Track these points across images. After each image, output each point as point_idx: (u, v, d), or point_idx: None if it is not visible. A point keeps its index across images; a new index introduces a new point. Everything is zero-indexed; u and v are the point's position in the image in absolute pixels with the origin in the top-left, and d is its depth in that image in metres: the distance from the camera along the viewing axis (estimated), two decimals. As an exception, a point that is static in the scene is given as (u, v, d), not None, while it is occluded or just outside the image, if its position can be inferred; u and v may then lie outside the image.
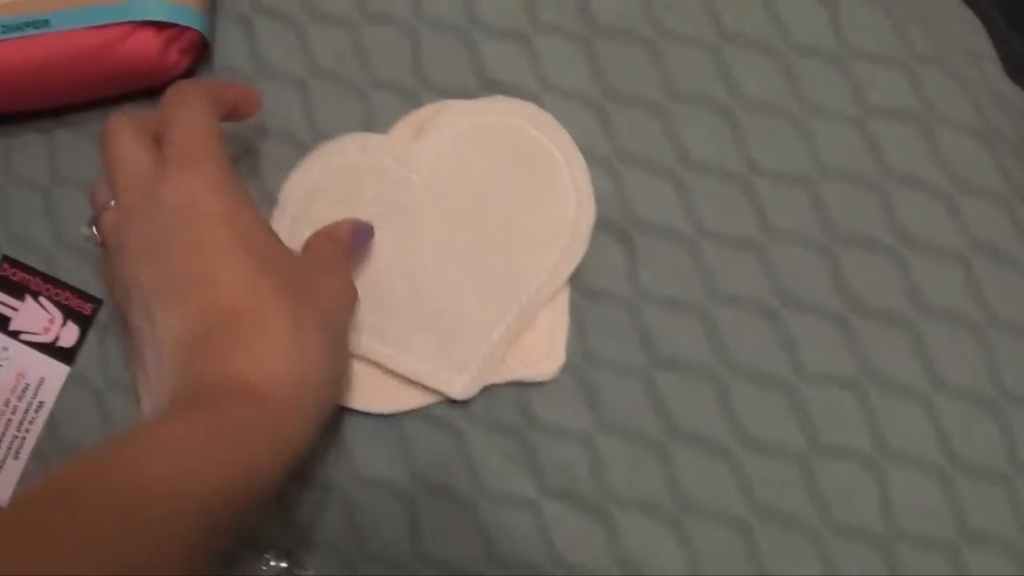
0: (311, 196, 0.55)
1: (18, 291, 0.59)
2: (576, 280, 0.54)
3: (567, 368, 0.53)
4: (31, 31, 0.56)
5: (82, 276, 0.58)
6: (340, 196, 0.55)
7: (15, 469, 0.57)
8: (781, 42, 0.55)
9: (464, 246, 0.54)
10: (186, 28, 0.56)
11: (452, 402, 0.53)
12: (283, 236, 0.51)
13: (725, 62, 0.55)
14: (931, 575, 0.49)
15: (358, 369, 0.54)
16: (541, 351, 0.53)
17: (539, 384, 0.53)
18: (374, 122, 0.57)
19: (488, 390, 0.53)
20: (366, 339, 0.53)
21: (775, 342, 0.52)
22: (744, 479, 0.51)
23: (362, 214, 0.54)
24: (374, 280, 0.54)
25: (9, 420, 0.58)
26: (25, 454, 0.57)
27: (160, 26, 0.56)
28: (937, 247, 0.51)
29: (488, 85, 0.56)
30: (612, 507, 0.51)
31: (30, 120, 0.60)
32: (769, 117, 0.54)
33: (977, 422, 0.50)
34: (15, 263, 0.59)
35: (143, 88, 0.58)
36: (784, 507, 0.51)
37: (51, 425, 0.57)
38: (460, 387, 0.53)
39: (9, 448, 0.57)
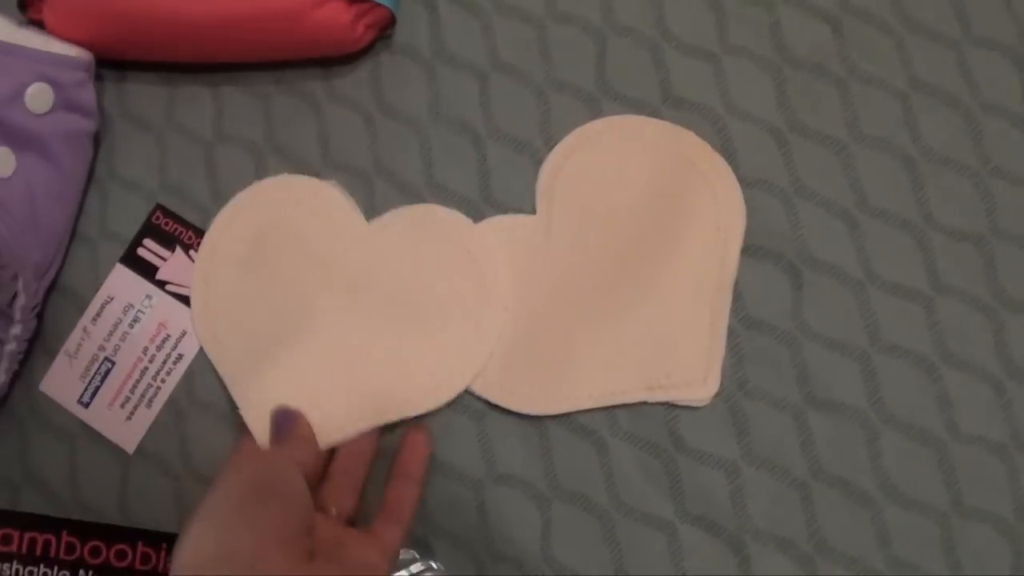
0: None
1: (168, 241, 0.61)
2: (737, 309, 0.56)
3: (720, 395, 0.55)
4: (222, -15, 0.58)
5: (237, 235, 0.60)
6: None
7: (147, 418, 0.59)
8: (971, 98, 0.57)
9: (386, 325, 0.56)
10: (377, 4, 0.59)
11: (599, 412, 0.55)
12: None
13: (912, 110, 0.57)
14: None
15: (510, 367, 0.56)
16: (697, 376, 0.55)
17: (690, 408, 0.55)
18: (550, 125, 0.59)
19: (637, 407, 0.55)
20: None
21: (932, 397, 0.54)
22: (883, 530, 0.53)
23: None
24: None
25: (146, 368, 0.60)
26: (158, 405, 0.59)
27: (352, 0, 0.58)
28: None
29: (672, 102, 0.58)
30: (748, 539, 0.54)
31: (200, 72, 0.62)
32: (951, 172, 0.56)
33: None
34: (168, 213, 0.61)
35: (320, 56, 0.60)
36: (920, 565, 0.53)
37: (188, 378, 0.59)
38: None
39: (143, 396, 0.60)
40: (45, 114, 0.58)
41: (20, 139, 0.58)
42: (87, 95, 0.59)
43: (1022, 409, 0.53)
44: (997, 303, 0.55)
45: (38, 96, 0.58)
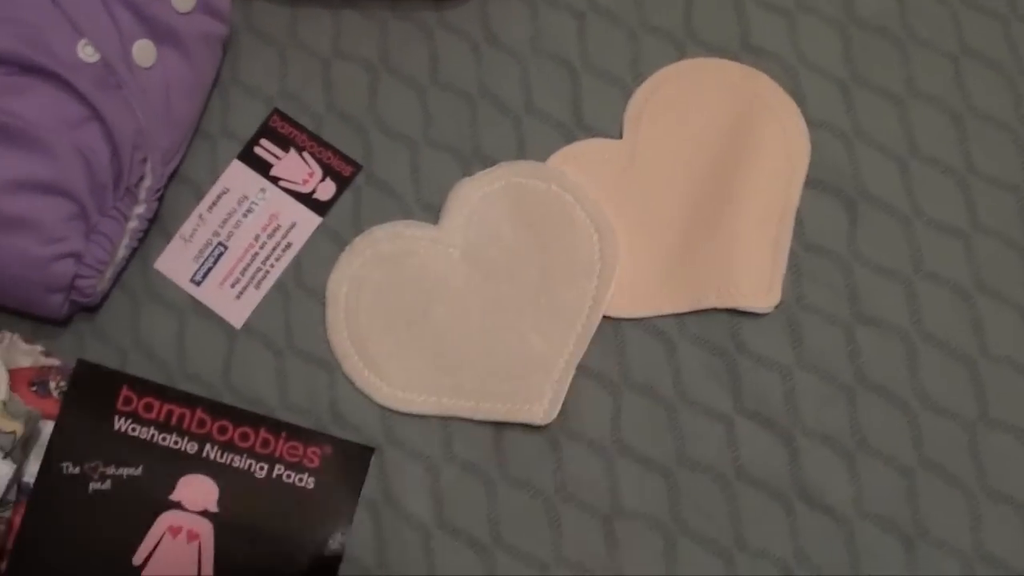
0: (357, 289, 0.67)
1: (284, 143, 0.71)
2: (799, 233, 0.66)
3: (780, 307, 0.65)
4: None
5: (348, 142, 0.70)
6: (384, 284, 0.67)
7: (255, 297, 0.69)
8: (1012, 65, 0.68)
9: (510, 297, 0.66)
10: (497, -58, 0.69)
11: (670, 316, 0.66)
12: (338, 331, 0.66)
13: (961, 72, 0.68)
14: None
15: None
16: (762, 287, 0.65)
17: (753, 315, 0.65)
18: (639, 62, 0.69)
19: (706, 312, 0.66)
20: (447, 399, 0.65)
21: (966, 320, 0.64)
22: (917, 433, 0.63)
23: (408, 294, 0.66)
24: (440, 346, 0.66)
25: (256, 253, 0.69)
26: (267, 286, 0.69)
27: (475, -65, 0.69)
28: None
29: (749, 49, 0.69)
30: (798, 433, 0.64)
31: (320, -5, 0.73)
32: (993, 128, 0.67)
33: None
34: (285, 117, 0.71)
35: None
36: (947, 465, 0.63)
37: (295, 265, 0.69)
38: (541, 413, 0.65)
39: (252, 278, 0.69)
40: (186, 14, 0.68)
41: (163, 34, 0.67)
42: (223, 1, 0.69)
43: (1045, 335, 0.64)
44: (1027, 244, 0.65)
45: (183, 2, 0.67)
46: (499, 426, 0.65)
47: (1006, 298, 0.65)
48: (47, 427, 0.65)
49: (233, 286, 0.69)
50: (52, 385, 0.66)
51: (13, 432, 0.62)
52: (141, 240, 0.69)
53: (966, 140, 0.67)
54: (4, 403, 0.62)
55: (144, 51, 0.67)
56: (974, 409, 0.63)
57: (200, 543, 0.64)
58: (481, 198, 0.68)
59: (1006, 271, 0.65)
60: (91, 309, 0.69)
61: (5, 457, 0.61)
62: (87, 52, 0.65)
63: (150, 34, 0.67)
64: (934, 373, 0.64)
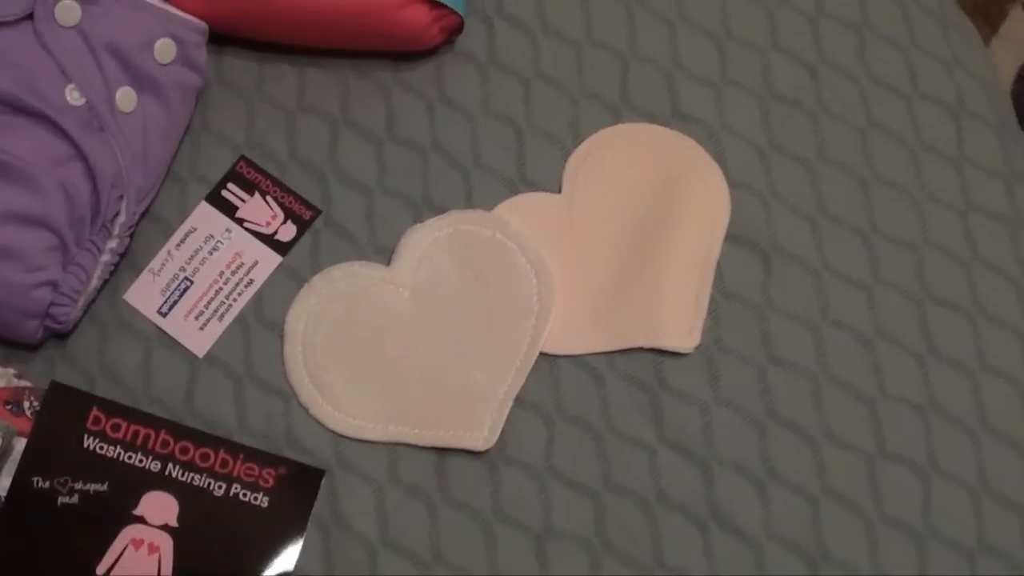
0: (314, 324, 0.75)
1: (249, 187, 0.78)
2: (718, 283, 0.74)
3: (699, 348, 0.73)
4: (324, -19, 0.76)
5: (309, 188, 0.77)
6: (340, 319, 0.74)
7: (217, 329, 0.75)
8: (915, 138, 0.77)
9: (455, 333, 0.74)
10: (452, 11, 0.77)
11: (600, 354, 0.73)
12: (295, 362, 0.73)
13: (868, 143, 0.77)
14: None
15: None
16: (684, 329, 0.73)
17: (676, 355, 0.73)
18: (579, 125, 0.78)
19: (633, 352, 0.73)
20: (393, 426, 0.72)
21: (867, 363, 0.73)
22: (820, 463, 0.71)
23: (361, 329, 0.74)
24: (389, 377, 0.73)
25: (220, 288, 0.76)
26: (229, 319, 0.75)
27: (432, 4, 0.77)
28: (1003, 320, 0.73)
29: (678, 116, 0.77)
30: (713, 462, 0.71)
31: (287, 53, 0.80)
32: (895, 193, 0.76)
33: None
34: (251, 164, 0.78)
35: (395, 50, 0.79)
36: (848, 493, 0.71)
37: (256, 300, 0.76)
38: (481, 440, 0.72)
39: (216, 311, 0.76)
40: (166, 65, 0.75)
41: (144, 82, 0.74)
42: (201, 55, 0.77)
43: (937, 379, 0.72)
44: (924, 296, 0.74)
45: (164, 49, 0.75)
46: (442, 452, 0.72)
47: (903, 344, 0.73)
48: (20, 444, 0.71)
49: (197, 318, 0.76)
50: (26, 405, 0.72)
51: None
52: (112, 272, 0.76)
53: (871, 203, 0.76)
54: (-17, 416, 0.68)
55: (126, 98, 0.74)
56: (872, 444, 0.71)
57: (160, 555, 0.70)
58: (431, 243, 0.76)
59: (903, 320, 0.73)
60: (62, 336, 0.75)
61: (-11, 463, 0.67)
62: (74, 96, 0.72)
63: (132, 82, 0.74)
64: (837, 410, 0.72)
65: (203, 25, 0.77)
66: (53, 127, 0.72)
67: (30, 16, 0.73)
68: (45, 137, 0.72)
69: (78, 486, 0.71)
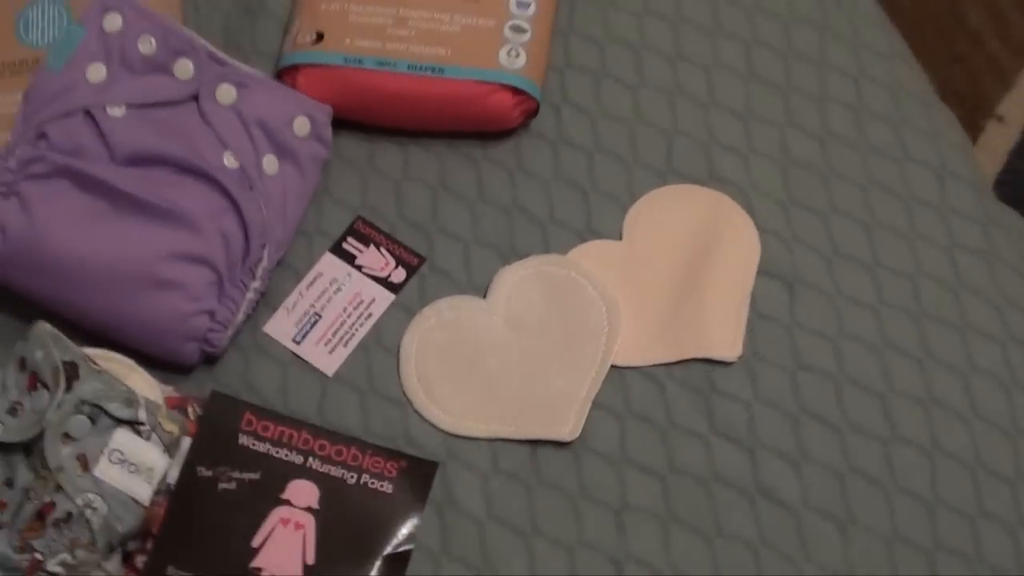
0: (425, 346, 0.93)
1: (365, 240, 0.97)
2: (753, 306, 0.93)
3: (741, 358, 0.91)
4: (429, 73, 0.97)
5: (415, 240, 0.96)
6: (446, 341, 0.92)
7: (343, 353, 0.93)
8: (907, 193, 0.97)
9: (540, 351, 0.92)
10: (530, 97, 0.97)
11: (660, 366, 0.91)
12: (409, 377, 0.91)
13: (869, 197, 0.96)
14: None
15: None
16: (728, 343, 0.91)
17: (722, 363, 0.91)
18: (634, 188, 0.97)
19: (686, 362, 0.91)
20: (494, 425, 0.90)
21: (877, 367, 0.91)
22: (844, 446, 0.88)
23: (464, 349, 0.92)
24: (488, 386, 0.91)
25: (344, 321, 0.94)
26: (352, 345, 0.93)
27: (515, 92, 0.97)
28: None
29: (715, 178, 0.97)
30: (757, 448, 0.89)
31: (390, 134, 1.00)
32: (893, 235, 0.95)
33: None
34: (366, 221, 0.97)
35: (484, 130, 0.99)
36: (868, 470, 0.88)
37: (375, 329, 0.93)
38: (567, 432, 0.89)
39: (341, 339, 0.93)
40: (302, 138, 0.94)
41: (284, 152, 0.94)
42: (328, 132, 0.96)
43: (935, 378, 0.90)
44: (920, 314, 0.92)
45: (301, 125, 0.94)
46: (534, 444, 0.89)
47: (906, 352, 0.91)
48: (185, 442, 0.87)
49: (326, 345, 0.93)
50: (189, 411, 0.89)
51: (171, 432, 0.85)
52: (254, 309, 0.93)
53: (873, 243, 0.95)
54: (164, 410, 0.85)
55: (271, 163, 0.93)
56: (886, 430, 0.89)
57: (304, 532, 0.86)
58: (517, 280, 0.94)
59: (905, 333, 0.92)
60: (211, 362, 0.92)
61: (164, 452, 0.84)
62: (230, 160, 0.91)
63: (275, 151, 0.93)
64: (855, 405, 0.90)
65: (329, 108, 0.96)
66: (214, 185, 0.91)
67: (195, 97, 0.92)
68: (208, 193, 0.91)
69: (235, 475, 0.87)
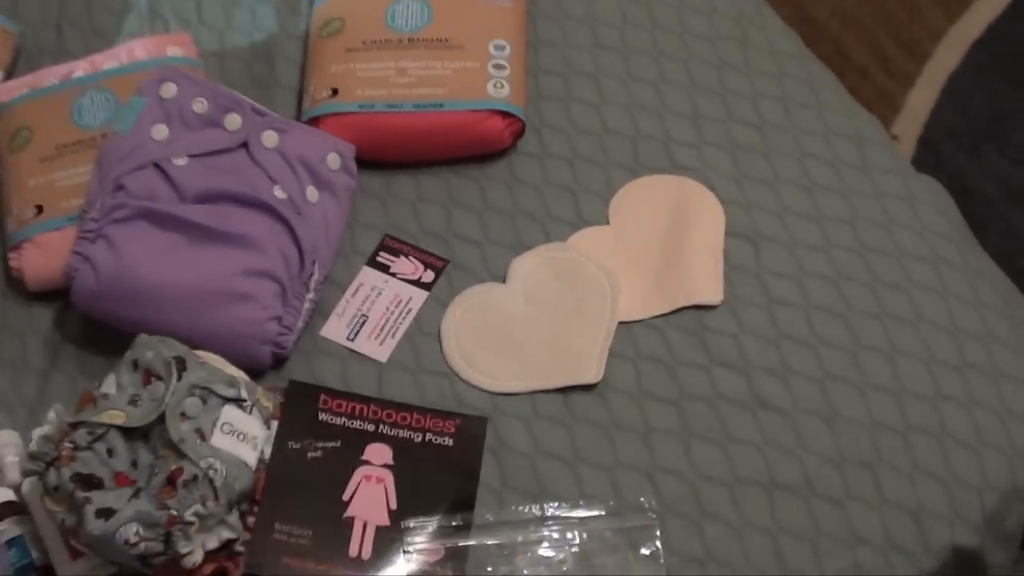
0: (461, 326, 1.13)
1: (395, 252, 1.15)
2: (727, 260, 1.13)
3: (724, 301, 1.11)
4: (431, 109, 1.17)
5: (438, 247, 1.15)
6: (479, 321, 1.11)
7: (392, 343, 1.10)
8: (831, 156, 1.19)
9: (558, 318, 1.11)
10: (517, 118, 1.18)
11: (659, 317, 1.10)
12: (452, 354, 1.09)
13: (805, 164, 1.18)
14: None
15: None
16: (712, 290, 1.11)
17: (709, 307, 1.11)
18: (612, 182, 1.18)
19: (680, 311, 1.11)
20: (530, 381, 1.08)
21: (836, 294, 1.11)
22: (819, 357, 1.08)
23: (494, 324, 1.11)
24: (520, 352, 1.09)
25: (388, 318, 1.12)
26: (399, 336, 1.11)
27: (504, 116, 1.18)
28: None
29: (677, 167, 1.18)
30: (750, 370, 1.08)
31: (402, 168, 1.20)
32: (832, 193, 1.17)
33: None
34: (393, 238, 1.16)
35: (481, 153, 1.19)
36: (844, 373, 1.07)
37: (416, 321, 1.11)
38: (592, 376, 1.07)
39: (388, 332, 1.11)
40: (334, 171, 1.14)
41: (322, 183, 1.13)
42: (353, 166, 1.16)
43: (883, 296, 1.11)
44: (862, 249, 1.14)
45: (333, 160, 1.14)
46: (565, 390, 1.07)
47: (856, 279, 1.12)
48: (273, 426, 1.04)
49: (376, 338, 1.11)
50: (272, 399, 1.05)
51: (267, 407, 1.01)
52: (309, 318, 1.11)
53: (814, 198, 1.16)
54: (260, 389, 1.02)
55: (312, 193, 1.12)
56: (850, 341, 1.09)
57: (385, 484, 1.03)
58: (529, 266, 1.13)
59: (853, 266, 1.13)
60: (279, 366, 1.09)
61: (263, 424, 1.00)
62: (279, 193, 1.10)
63: (315, 183, 1.12)
64: (823, 324, 1.10)
65: (352, 145, 1.16)
66: (270, 212, 1.09)
67: (244, 143, 1.11)
68: (265, 220, 1.09)
69: (319, 445, 1.04)
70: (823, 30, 1.88)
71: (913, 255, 1.14)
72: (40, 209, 1.13)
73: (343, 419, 1.05)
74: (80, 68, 1.21)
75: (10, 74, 1.26)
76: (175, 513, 0.92)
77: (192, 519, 0.93)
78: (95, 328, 1.11)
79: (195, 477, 0.94)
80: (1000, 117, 1.82)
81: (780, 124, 1.21)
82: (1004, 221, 1.73)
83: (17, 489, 1.02)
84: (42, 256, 1.12)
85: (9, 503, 1.02)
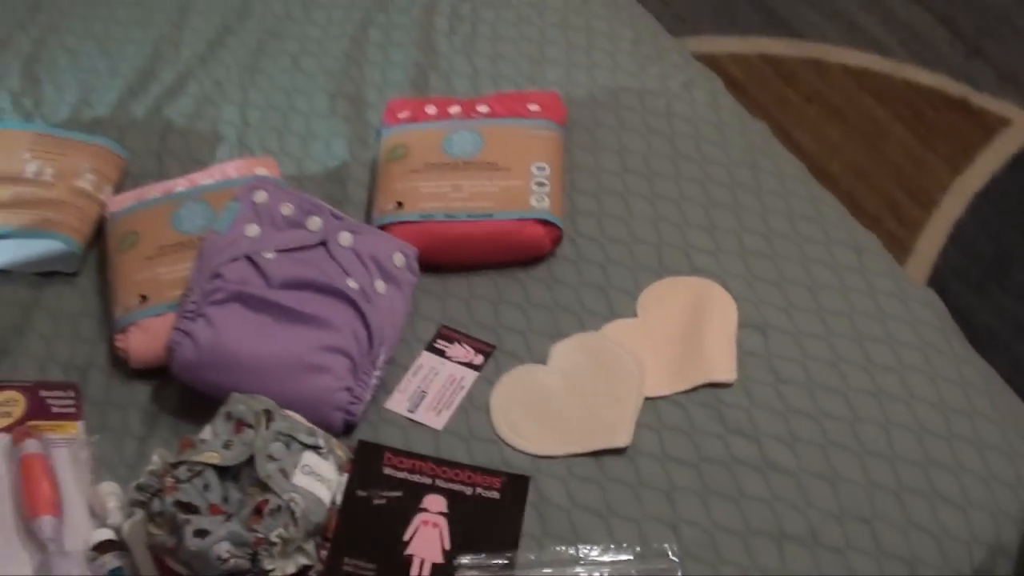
0: (508, 400, 1.32)
1: (449, 339, 1.34)
2: (740, 347, 1.31)
3: (738, 380, 1.29)
4: (483, 218, 1.38)
5: (486, 336, 1.34)
6: (522, 396, 1.29)
7: (447, 414, 1.28)
8: (832, 265, 1.38)
9: (592, 393, 1.28)
10: (556, 227, 1.39)
11: (681, 393, 1.28)
12: (499, 424, 1.28)
13: (810, 273, 1.37)
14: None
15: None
16: (726, 370, 1.29)
17: (725, 385, 1.29)
18: (640, 283, 1.37)
19: (699, 388, 1.28)
20: (567, 446, 1.25)
21: (836, 375, 1.29)
22: (823, 428, 1.25)
23: (536, 398, 1.29)
24: (558, 422, 1.27)
25: (444, 393, 1.30)
26: (453, 408, 1.29)
27: (544, 224, 1.38)
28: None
29: (696, 271, 1.38)
30: (761, 438, 1.25)
31: (456, 271, 1.40)
32: (830, 291, 1.35)
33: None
34: (449, 328, 1.35)
35: (524, 258, 1.39)
36: (843, 442, 1.24)
37: (468, 397, 1.29)
38: (622, 441, 1.24)
39: (444, 405, 1.29)
40: (399, 268, 1.34)
41: (388, 277, 1.33)
42: (416, 266, 1.36)
43: (879, 375, 1.29)
44: (860, 337, 1.32)
45: (399, 258, 1.34)
46: (598, 454, 1.25)
47: (853, 362, 1.30)
48: (344, 477, 1.21)
49: (434, 410, 1.29)
50: (343, 454, 1.23)
51: (341, 456, 1.19)
52: (375, 393, 1.30)
53: (816, 296, 1.35)
54: (335, 440, 1.20)
55: (380, 286, 1.32)
56: (849, 413, 1.26)
57: (440, 529, 1.19)
58: (566, 351, 1.32)
59: (850, 350, 1.30)
60: (348, 433, 1.27)
61: (337, 470, 1.18)
62: (352, 284, 1.30)
63: (382, 277, 1.32)
64: (825, 400, 1.27)
65: (415, 248, 1.36)
66: (344, 300, 1.29)
67: (323, 242, 1.32)
68: (340, 306, 1.29)
69: (383, 494, 1.21)
70: (837, 182, 2.09)
71: (904, 342, 1.31)
72: (144, 298, 1.33)
73: (405, 473, 1.22)
74: (180, 184, 1.43)
75: (117, 191, 1.48)
76: (261, 535, 1.09)
77: (276, 540, 1.10)
78: (188, 401, 1.29)
79: (279, 507, 1.11)
80: (1004, 259, 2.02)
81: (786, 234, 1.41)
82: (1009, 351, 1.91)
83: (117, 530, 1.20)
84: (145, 337, 1.31)
85: (110, 541, 1.19)
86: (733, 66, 2.27)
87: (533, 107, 1.48)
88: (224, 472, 1.15)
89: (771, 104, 2.21)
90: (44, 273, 1.43)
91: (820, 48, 2.31)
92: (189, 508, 1.11)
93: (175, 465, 1.14)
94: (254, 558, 1.09)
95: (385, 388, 1.31)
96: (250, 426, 1.17)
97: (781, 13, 2.36)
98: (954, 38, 2.32)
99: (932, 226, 2.05)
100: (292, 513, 1.11)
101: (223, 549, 1.08)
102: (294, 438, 1.16)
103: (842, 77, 2.27)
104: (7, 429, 1.27)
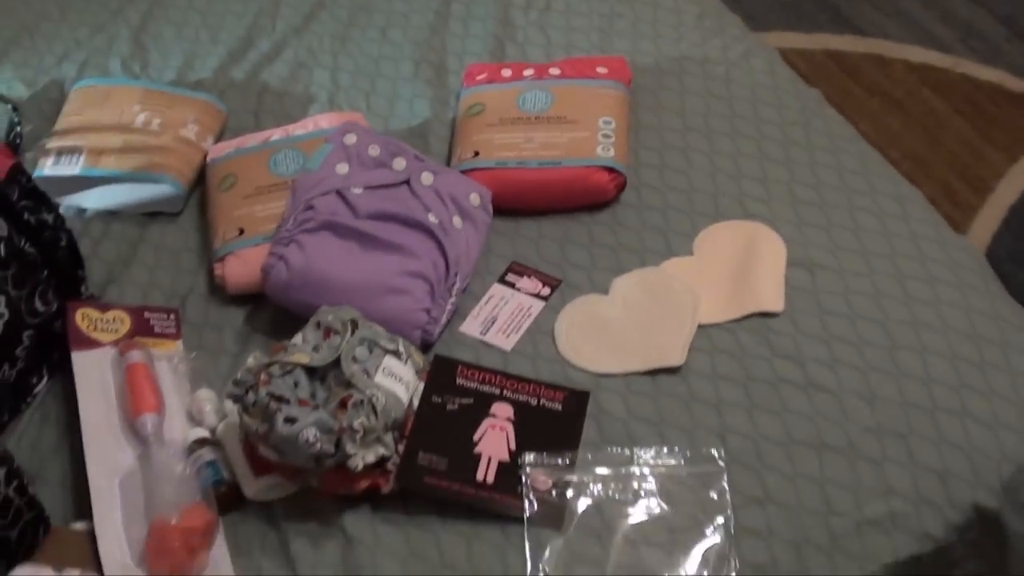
0: (571, 325, 1.45)
1: (519, 274, 1.48)
2: (788, 282, 1.44)
3: (785, 310, 1.41)
4: (552, 166, 1.52)
5: (553, 271, 1.48)
6: (586, 321, 1.42)
7: (515, 337, 1.42)
8: (879, 221, 1.50)
9: (649, 321, 1.41)
10: (620, 174, 1.52)
11: (732, 321, 1.41)
12: (564, 347, 1.41)
13: (855, 216, 1.50)
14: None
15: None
16: (775, 300, 1.41)
17: (773, 315, 1.41)
18: (697, 226, 1.50)
19: (749, 317, 1.41)
20: (625, 365, 1.38)
21: (878, 308, 1.41)
22: (862, 352, 1.37)
23: (598, 324, 1.42)
24: (618, 345, 1.40)
25: (513, 320, 1.43)
26: (521, 332, 1.42)
27: (610, 171, 1.52)
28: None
29: (748, 215, 1.51)
30: (805, 360, 1.37)
31: (527, 215, 1.54)
32: (874, 234, 1.48)
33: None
34: (519, 264, 1.49)
35: (590, 203, 1.53)
36: (881, 366, 1.36)
37: (535, 323, 1.43)
38: (676, 360, 1.37)
39: (513, 329, 1.42)
40: (476, 207, 1.48)
41: (465, 214, 1.47)
42: (489, 206, 1.49)
43: (918, 313, 1.41)
44: (900, 275, 1.44)
45: (475, 198, 1.48)
46: (653, 373, 1.37)
47: (892, 296, 1.41)
48: (420, 386, 1.35)
49: (503, 333, 1.43)
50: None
51: (419, 362, 1.33)
52: (450, 318, 1.44)
53: (860, 239, 1.47)
54: (413, 347, 1.34)
55: (457, 221, 1.46)
56: (887, 340, 1.38)
57: (507, 433, 1.33)
58: (627, 284, 1.45)
59: (891, 286, 1.42)
60: (425, 351, 1.41)
61: (415, 374, 1.32)
62: (432, 218, 1.44)
63: (459, 214, 1.46)
64: (865, 329, 1.39)
65: (489, 191, 1.51)
66: (425, 232, 1.43)
67: (406, 181, 1.47)
68: (421, 237, 1.43)
69: (456, 400, 1.34)
70: (895, 168, 2.20)
71: (941, 279, 1.43)
72: (241, 231, 1.49)
73: (476, 384, 1.36)
74: (276, 133, 1.59)
75: (217, 142, 1.65)
76: (345, 425, 1.23)
77: (358, 428, 1.24)
78: (279, 322, 1.44)
79: (361, 401, 1.25)
80: (1056, 244, 2.12)
81: (834, 185, 1.53)
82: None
83: (213, 431, 1.35)
84: (241, 266, 1.47)
85: (205, 439, 1.34)
86: (799, 61, 2.40)
87: (601, 69, 1.62)
88: (312, 373, 1.29)
89: (834, 97, 2.31)
90: (149, 214, 1.59)
91: (882, 44, 2.43)
92: (280, 399, 1.25)
93: (268, 365, 1.28)
94: (338, 444, 1.23)
95: (459, 315, 1.44)
96: (337, 332, 1.31)
97: (845, 11, 2.49)
98: (1013, 35, 2.43)
99: (987, 211, 2.16)
100: (373, 407, 1.25)
101: (311, 434, 1.22)
102: (376, 343, 1.30)
103: (903, 72, 2.39)
104: (114, 343, 1.43)
